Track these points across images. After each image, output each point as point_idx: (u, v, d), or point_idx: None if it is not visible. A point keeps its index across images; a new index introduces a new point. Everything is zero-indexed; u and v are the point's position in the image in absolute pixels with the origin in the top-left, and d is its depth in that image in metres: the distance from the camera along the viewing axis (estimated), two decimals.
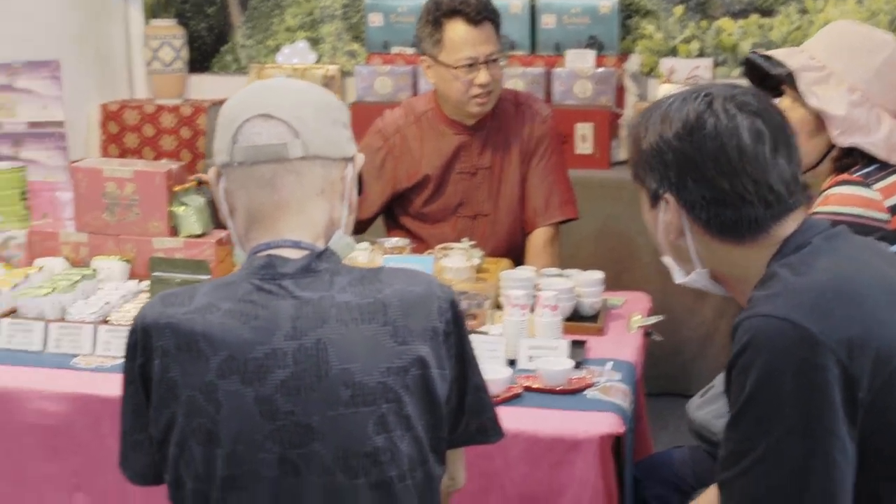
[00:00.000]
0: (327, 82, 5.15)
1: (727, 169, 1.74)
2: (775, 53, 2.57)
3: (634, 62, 4.99)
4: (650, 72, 4.98)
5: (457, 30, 3.25)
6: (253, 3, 5.41)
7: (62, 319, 2.65)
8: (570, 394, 2.40)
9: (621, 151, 4.81)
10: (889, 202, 2.40)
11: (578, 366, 2.53)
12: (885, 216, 2.39)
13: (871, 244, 1.89)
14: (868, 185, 2.41)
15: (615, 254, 4.54)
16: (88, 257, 2.99)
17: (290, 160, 1.70)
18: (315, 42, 5.34)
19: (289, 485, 1.63)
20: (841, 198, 2.42)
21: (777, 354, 1.63)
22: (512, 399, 2.37)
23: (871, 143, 2.42)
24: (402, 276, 1.74)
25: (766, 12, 4.91)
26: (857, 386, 1.62)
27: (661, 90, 4.76)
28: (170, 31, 5.24)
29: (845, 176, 2.45)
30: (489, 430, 1.86)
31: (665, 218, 1.84)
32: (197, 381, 1.62)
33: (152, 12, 5.26)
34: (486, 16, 3.26)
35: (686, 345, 4.51)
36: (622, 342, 2.75)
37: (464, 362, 1.77)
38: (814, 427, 1.61)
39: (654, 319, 2.85)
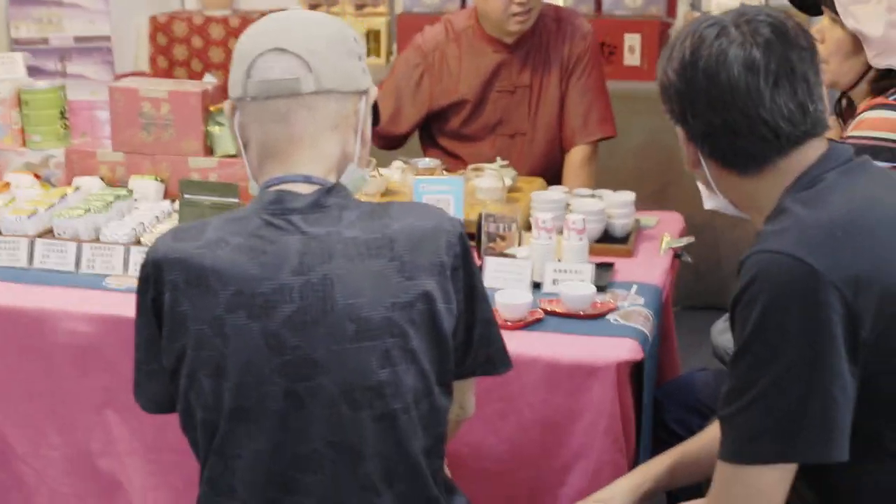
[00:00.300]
0: None
1: (717, 104, 1.73)
2: None
3: None
4: None
5: None
6: None
7: (96, 240, 2.69)
8: (591, 318, 2.40)
9: None
10: None
11: (603, 289, 2.53)
12: None
13: (891, 176, 1.86)
14: None
15: (661, 167, 4.50)
16: (126, 177, 3.02)
17: (303, 95, 1.70)
18: None
19: (295, 416, 1.66)
20: (874, 122, 2.38)
21: (781, 290, 1.63)
22: (534, 323, 2.38)
23: None
24: (412, 211, 1.74)
25: None
26: (860, 324, 1.61)
27: (714, 1, 4.67)
28: None
29: (881, 99, 2.41)
30: (496, 362, 1.88)
31: (684, 147, 1.85)
32: (206, 314, 1.65)
33: None
34: None
35: (726, 260, 4.48)
36: (651, 264, 2.73)
37: (472, 296, 1.78)
38: (815, 364, 1.61)
39: (684, 241, 2.83)
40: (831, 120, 2.59)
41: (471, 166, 3.06)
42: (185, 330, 1.67)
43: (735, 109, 1.72)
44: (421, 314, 1.68)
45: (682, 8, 4.79)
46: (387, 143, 3.48)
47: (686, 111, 1.78)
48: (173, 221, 2.75)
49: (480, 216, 2.66)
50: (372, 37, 5.06)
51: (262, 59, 1.70)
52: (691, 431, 2.29)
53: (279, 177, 1.72)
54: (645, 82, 4.60)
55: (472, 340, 1.80)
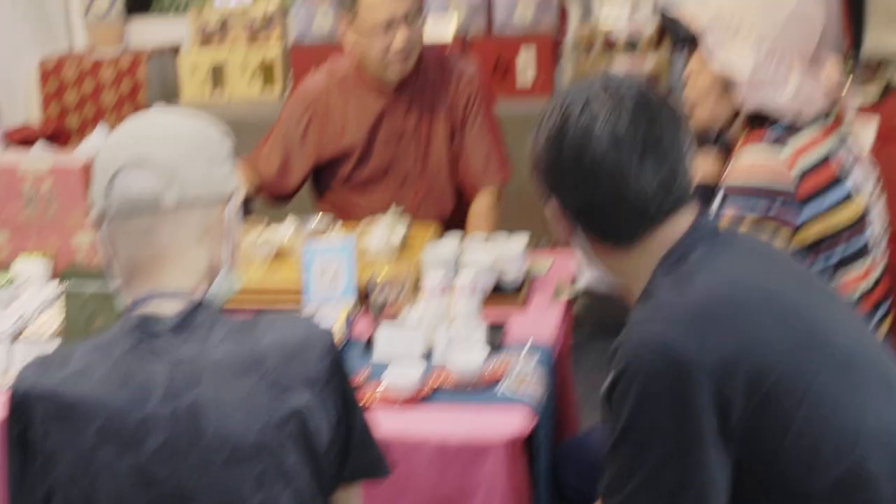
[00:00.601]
0: (266, 23, 5.05)
1: (585, 179, 1.74)
2: (686, 8, 2.49)
3: None
4: None
5: None
6: None
7: None
8: (482, 389, 2.38)
9: (565, 79, 4.74)
10: (797, 168, 2.34)
11: (496, 351, 2.51)
12: (791, 186, 2.34)
13: (761, 245, 1.87)
14: (775, 151, 2.35)
15: None
16: (10, 258, 2.96)
17: (164, 210, 1.66)
18: None
19: None
20: (748, 168, 2.37)
21: (650, 380, 1.63)
22: (423, 399, 2.36)
23: (777, 102, 2.36)
24: (280, 325, 1.71)
25: None
26: (730, 408, 1.61)
27: (604, 11, 4.67)
28: None
29: (754, 140, 2.40)
30: (376, 467, 1.85)
31: (556, 220, 1.86)
32: (73, 450, 1.61)
33: None
34: None
35: None
36: (544, 316, 2.72)
37: (347, 405, 1.75)
38: (688, 453, 1.62)
39: (575, 291, 2.83)
40: (712, 157, 2.60)
41: (362, 222, 3.02)
42: (53, 465, 1.63)
43: (602, 186, 1.73)
44: (295, 431, 1.65)
45: (574, 21, 4.78)
46: (277, 196, 3.43)
47: (556, 186, 1.79)
48: (56, 310, 2.69)
49: (367, 282, 2.63)
50: (266, 68, 5.00)
51: (121, 174, 1.66)
52: (591, 493, 2.29)
53: (144, 295, 1.68)
54: (542, 98, 4.60)
55: (349, 449, 1.77)
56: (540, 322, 2.70)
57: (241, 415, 1.62)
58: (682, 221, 1.77)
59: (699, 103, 2.50)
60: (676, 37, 2.55)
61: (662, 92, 1.80)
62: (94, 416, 1.60)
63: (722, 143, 2.63)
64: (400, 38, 3.16)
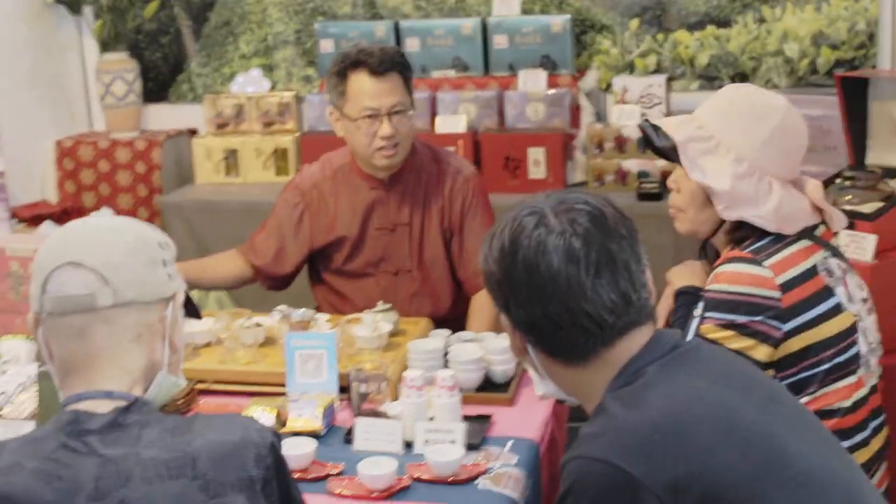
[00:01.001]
0: (282, 109, 5.10)
1: (537, 295, 1.70)
2: (666, 123, 2.51)
3: (591, 79, 4.92)
4: (608, 88, 4.90)
5: (359, 81, 3.18)
6: (206, 32, 5.36)
7: None
8: (460, 484, 2.34)
9: (576, 174, 4.74)
10: (781, 278, 2.33)
11: (477, 447, 2.48)
12: (776, 294, 2.32)
13: (724, 359, 1.81)
14: (759, 263, 2.34)
15: None
16: None
17: (98, 310, 1.66)
18: (270, 68, 5.28)
19: None
20: (731, 276, 2.35)
21: (598, 500, 1.59)
22: (399, 492, 2.32)
23: (758, 216, 2.35)
24: (216, 425, 1.69)
25: (723, 23, 4.82)
26: None
27: (615, 110, 4.69)
28: (121, 64, 5.19)
29: (736, 252, 2.39)
30: None
31: (509, 335, 1.81)
32: None
33: (105, 45, 5.20)
34: (391, 67, 3.19)
35: None
36: (530, 414, 2.68)
37: None
38: None
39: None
40: (701, 265, 2.58)
41: (345, 318, 3.00)
42: None
43: (556, 301, 1.69)
44: None
45: (587, 118, 4.80)
46: (273, 283, 3.43)
47: (508, 300, 1.75)
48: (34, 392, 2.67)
49: (349, 374, 2.61)
50: (280, 155, 5.03)
51: (56, 273, 1.67)
52: None
53: (78, 393, 1.67)
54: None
55: None
56: (527, 417, 2.66)
57: None
58: (636, 339, 1.74)
59: (682, 211, 2.50)
60: (654, 146, 2.53)
61: (617, 210, 1.76)
62: None
63: (707, 252, 2.61)
64: (384, 129, 3.17)
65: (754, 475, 1.59)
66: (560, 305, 1.68)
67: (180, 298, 1.77)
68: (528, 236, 1.70)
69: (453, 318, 3.30)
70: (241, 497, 1.63)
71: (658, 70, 4.88)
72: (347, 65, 3.19)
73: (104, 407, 1.65)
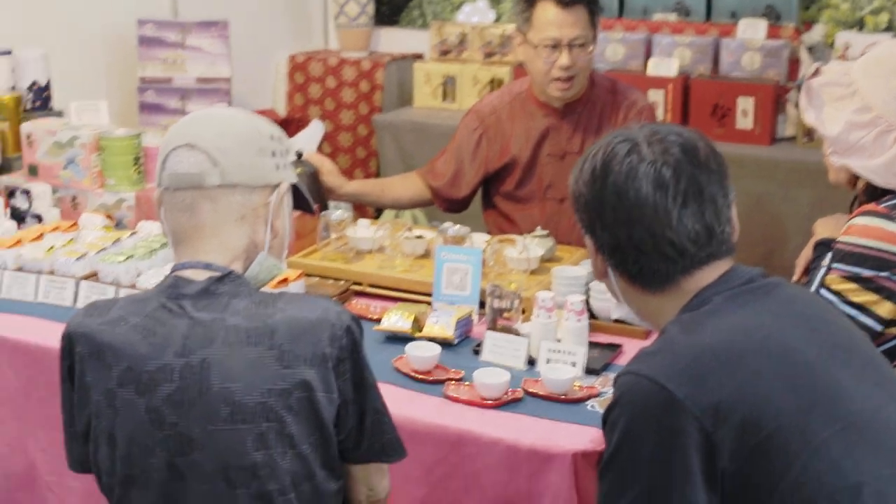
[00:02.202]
0: (504, 41, 5.20)
1: (624, 219, 1.75)
2: (829, 66, 2.48)
3: (817, 33, 4.80)
4: (832, 43, 4.77)
5: (546, 9, 3.24)
6: None
7: (132, 286, 2.87)
8: (571, 403, 2.42)
9: (787, 128, 4.66)
10: None
11: (597, 372, 2.54)
12: None
13: (800, 303, 1.81)
14: (893, 218, 2.30)
15: (766, 232, 4.43)
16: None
17: (206, 188, 1.83)
18: (497, 0, 5.38)
19: (176, 488, 1.78)
20: (861, 229, 2.32)
21: (639, 416, 1.65)
22: (510, 403, 2.41)
23: (864, 166, 2.32)
24: (299, 303, 1.83)
25: None
26: (718, 454, 1.60)
27: (833, 66, 4.55)
28: None
29: (871, 206, 2.35)
30: (390, 451, 1.95)
31: (592, 257, 1.87)
32: (102, 387, 1.80)
33: None
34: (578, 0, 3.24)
35: None
36: None
37: (362, 387, 1.86)
38: (668, 493, 1.62)
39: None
40: (845, 220, 2.54)
41: (499, 237, 3.10)
42: (88, 399, 1.83)
43: (641, 226, 1.74)
44: (299, 401, 1.77)
45: (805, 71, 4.69)
46: (449, 205, 3.56)
47: (594, 223, 1.80)
48: None
49: (485, 290, 2.71)
50: (496, 84, 5.15)
51: (174, 153, 1.85)
52: None
53: (183, 262, 1.85)
54: (756, 146, 4.54)
55: (364, 429, 1.87)
56: None
57: (246, 377, 1.75)
58: (714, 271, 1.77)
59: (827, 157, 2.49)
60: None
61: (709, 144, 1.79)
62: (120, 358, 1.79)
63: (852, 208, 2.57)
64: (563, 59, 3.23)
65: (800, 409, 1.61)
66: (645, 231, 1.73)
67: (285, 187, 1.91)
68: (619, 162, 1.75)
69: None
70: (311, 371, 1.77)
71: (889, 28, 4.72)
72: None
73: (202, 276, 1.83)
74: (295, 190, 1.98)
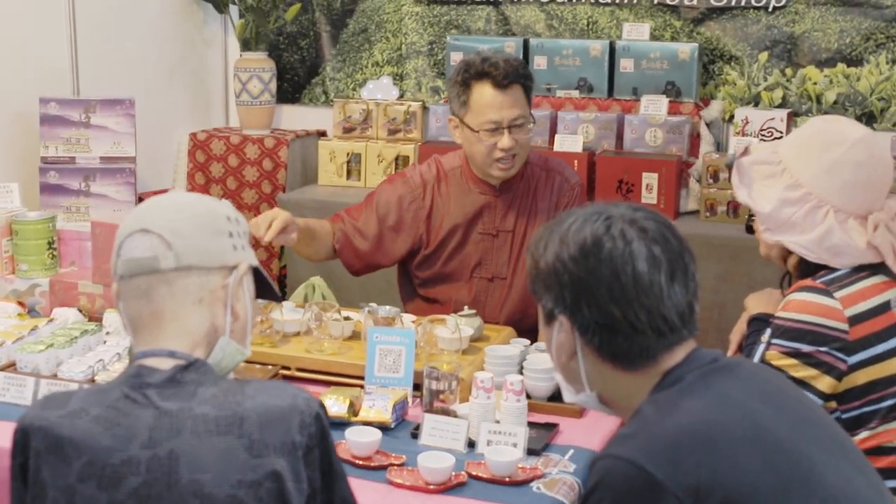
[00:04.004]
0: (408, 118, 5.22)
1: (620, 296, 1.73)
2: (757, 145, 2.54)
3: (715, 109, 4.91)
4: (730, 119, 4.90)
5: (483, 93, 3.24)
6: (344, 38, 5.53)
7: (54, 376, 2.77)
8: (515, 485, 2.40)
9: (689, 202, 4.75)
10: (850, 311, 2.33)
11: (538, 452, 2.53)
12: (844, 326, 2.32)
13: (762, 381, 1.83)
14: (830, 294, 2.34)
15: None
16: (103, 308, 3.12)
17: (162, 271, 1.79)
18: (401, 77, 5.41)
19: None
20: (799, 304, 2.37)
21: (621, 499, 1.64)
22: (455, 487, 2.39)
23: (797, 242, 2.38)
24: (267, 391, 1.79)
25: (854, 62, 4.77)
26: None
27: (734, 142, 4.68)
28: (260, 63, 5.38)
29: (808, 282, 2.40)
30: None
31: (559, 338, 1.84)
32: (60, 483, 1.73)
33: (245, 44, 5.40)
34: (514, 79, 3.24)
35: None
36: (596, 427, 2.72)
37: (330, 476, 1.82)
38: None
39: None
40: (779, 294, 2.59)
41: (429, 317, 3.07)
42: (44, 497, 1.75)
43: (637, 303, 1.73)
44: (269, 493, 1.72)
45: (705, 148, 4.80)
46: (362, 266, 3.46)
47: (581, 300, 1.76)
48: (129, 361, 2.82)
49: (423, 371, 2.69)
50: (401, 162, 5.15)
51: (129, 240, 1.82)
52: None
53: (145, 350, 1.80)
54: None
55: None
56: (593, 430, 2.70)
57: (216, 468, 1.71)
58: (684, 350, 1.79)
59: (759, 234, 2.54)
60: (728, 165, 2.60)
61: (676, 227, 1.81)
62: (81, 452, 1.72)
63: (783, 285, 2.62)
64: (504, 142, 3.24)
65: (778, 487, 1.62)
66: (641, 307, 1.73)
67: (244, 268, 1.88)
68: (612, 237, 1.74)
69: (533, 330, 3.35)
70: (282, 460, 1.73)
71: (783, 104, 4.86)
72: (471, 75, 3.26)
73: (166, 364, 1.78)
74: (258, 278, 1.94)
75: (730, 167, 2.55)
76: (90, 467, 1.71)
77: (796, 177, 2.40)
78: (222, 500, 1.69)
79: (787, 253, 2.48)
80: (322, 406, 1.81)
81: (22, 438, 1.78)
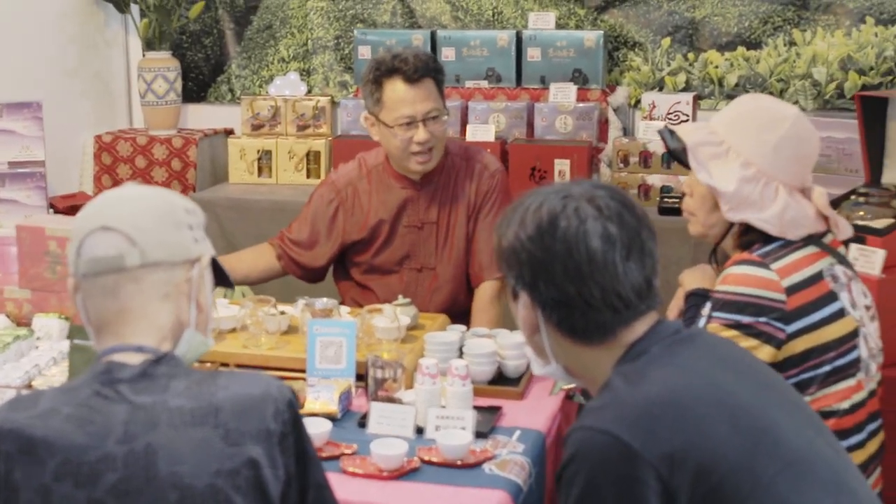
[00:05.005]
0: (317, 113, 5.21)
1: (574, 274, 1.78)
2: (681, 128, 2.60)
3: (621, 95, 4.99)
4: (637, 104, 4.99)
5: (395, 88, 3.28)
6: (248, 35, 5.49)
7: None
8: (468, 468, 2.42)
9: None
10: (787, 282, 2.40)
11: (485, 435, 2.56)
12: (781, 296, 2.39)
13: (721, 349, 1.89)
14: (766, 266, 2.41)
15: None
16: (31, 314, 3.06)
17: (127, 269, 1.77)
18: (308, 73, 5.40)
19: None
20: (738, 278, 2.43)
21: (597, 468, 1.67)
22: (409, 473, 2.40)
23: (761, 218, 2.44)
24: (240, 380, 1.80)
25: (753, 45, 4.90)
26: (675, 500, 1.65)
27: (642, 126, 4.77)
28: (164, 63, 5.32)
29: (745, 255, 2.47)
30: None
31: (522, 314, 1.89)
32: (34, 483, 1.70)
33: (149, 44, 5.34)
34: (425, 73, 3.28)
35: None
36: (538, 408, 2.76)
37: (304, 461, 1.83)
38: None
39: (574, 383, 2.86)
40: (712, 269, 2.66)
41: (366, 307, 3.10)
42: (17, 499, 1.72)
43: (591, 280, 1.78)
44: (247, 480, 1.73)
45: (613, 133, 4.88)
46: (305, 274, 3.54)
47: (538, 278, 1.81)
48: (65, 364, 2.78)
49: (367, 361, 2.70)
50: (312, 157, 5.15)
51: (90, 237, 1.79)
52: None
53: (112, 346, 1.79)
54: None
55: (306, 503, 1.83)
56: (536, 411, 2.74)
57: (194, 460, 1.71)
58: (646, 323, 1.84)
59: (694, 214, 2.59)
60: (671, 151, 2.64)
61: (638, 204, 1.86)
62: (55, 451, 1.70)
63: (715, 259, 2.69)
64: (420, 135, 3.27)
65: (746, 450, 1.68)
66: (595, 284, 1.77)
67: (206, 261, 1.88)
68: (567, 216, 1.79)
69: (467, 316, 3.40)
70: (258, 448, 1.73)
71: (687, 88, 4.97)
72: (382, 72, 3.29)
73: (135, 359, 1.77)
74: (213, 267, 1.94)
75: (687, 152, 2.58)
76: (65, 466, 1.69)
77: (745, 155, 2.46)
78: (201, 490, 1.69)
79: (726, 231, 2.54)
80: (293, 393, 1.82)
81: None
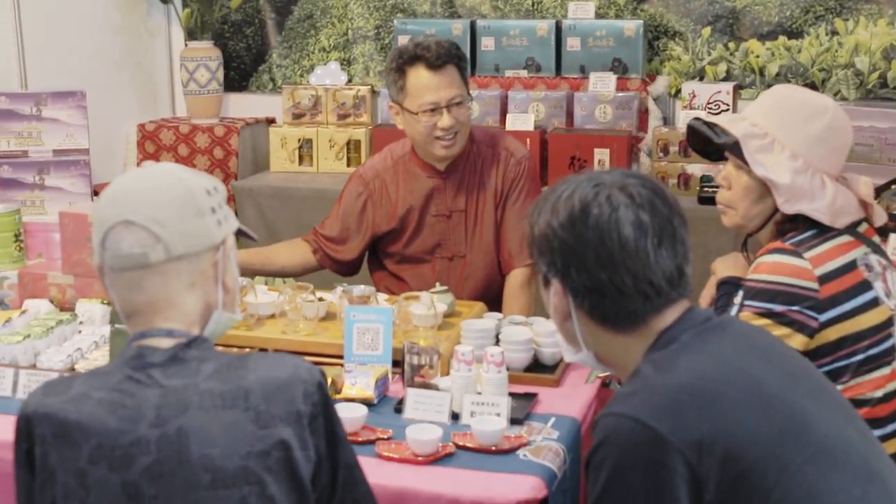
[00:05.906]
0: (357, 102, 5.24)
1: (606, 261, 1.79)
2: (719, 120, 2.59)
3: (661, 84, 4.99)
4: (677, 93, 4.98)
5: (418, 76, 3.30)
6: (289, 24, 5.53)
7: (33, 366, 2.77)
8: (502, 453, 2.44)
9: None
10: (819, 270, 2.40)
11: (520, 422, 2.58)
12: (814, 285, 2.39)
13: (752, 337, 1.89)
14: (799, 254, 2.41)
15: None
16: (75, 299, 3.11)
17: (152, 265, 1.79)
18: (348, 62, 5.43)
19: None
20: (771, 266, 2.43)
21: (626, 454, 1.68)
22: (444, 458, 2.43)
23: (814, 208, 2.43)
24: (269, 362, 1.82)
25: (795, 34, 4.87)
26: (703, 487, 1.66)
27: (682, 115, 4.77)
28: (206, 53, 5.37)
29: (778, 244, 2.47)
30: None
31: (554, 301, 1.90)
32: (70, 467, 1.74)
33: (191, 34, 5.39)
34: (447, 60, 3.30)
35: None
36: (574, 395, 2.78)
37: (334, 442, 1.86)
38: None
39: (605, 373, 2.88)
40: (744, 258, 2.66)
41: (403, 294, 3.12)
42: (53, 482, 1.75)
43: (623, 268, 1.78)
44: (278, 462, 1.75)
45: (653, 122, 4.88)
46: (339, 268, 3.57)
47: (570, 265, 1.82)
48: (107, 348, 2.82)
49: (403, 347, 2.73)
50: (353, 146, 5.18)
51: (112, 232, 1.79)
52: None
53: (142, 332, 1.81)
54: None
55: (336, 484, 1.87)
56: (571, 398, 2.75)
57: (225, 442, 1.73)
58: (677, 311, 1.84)
59: (733, 205, 2.58)
60: (701, 145, 2.63)
61: (670, 191, 1.87)
62: (89, 435, 1.73)
63: (748, 245, 2.69)
64: (444, 121, 3.29)
65: (775, 438, 1.68)
66: (627, 272, 1.78)
67: (231, 241, 1.89)
68: (599, 204, 1.80)
69: (499, 303, 3.42)
70: (288, 430, 1.76)
71: (727, 78, 4.96)
72: (405, 60, 3.31)
73: (166, 343, 1.80)
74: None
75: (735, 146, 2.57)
76: (99, 450, 1.72)
77: (791, 147, 2.46)
78: (233, 471, 1.72)
79: (765, 222, 2.53)
80: (323, 374, 1.85)
81: (25, 426, 1.78)
